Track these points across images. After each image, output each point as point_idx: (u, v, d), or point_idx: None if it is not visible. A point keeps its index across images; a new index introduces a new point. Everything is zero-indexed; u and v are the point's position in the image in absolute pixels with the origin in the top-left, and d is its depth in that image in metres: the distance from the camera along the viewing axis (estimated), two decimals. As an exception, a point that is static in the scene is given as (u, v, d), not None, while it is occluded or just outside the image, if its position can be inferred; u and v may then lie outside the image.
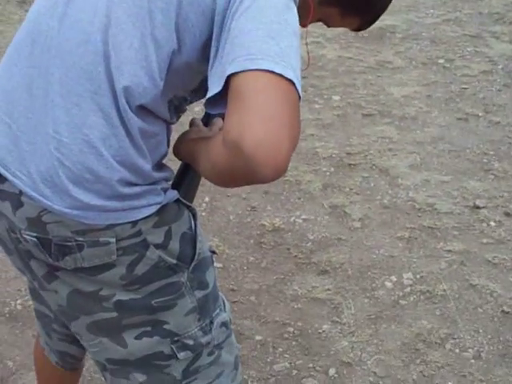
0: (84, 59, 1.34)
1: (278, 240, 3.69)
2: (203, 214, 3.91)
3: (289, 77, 1.17)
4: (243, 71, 1.16)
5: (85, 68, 1.33)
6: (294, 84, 1.18)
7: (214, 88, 1.23)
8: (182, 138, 1.57)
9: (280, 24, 1.22)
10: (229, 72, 1.18)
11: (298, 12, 1.30)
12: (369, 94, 5.54)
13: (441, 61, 6.21)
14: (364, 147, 4.69)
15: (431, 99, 5.46)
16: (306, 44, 1.70)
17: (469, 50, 6.44)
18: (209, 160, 1.32)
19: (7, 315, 3.10)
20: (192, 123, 1.65)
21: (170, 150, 1.52)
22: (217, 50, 1.28)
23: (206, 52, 1.33)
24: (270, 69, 1.16)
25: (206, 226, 3.79)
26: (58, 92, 1.34)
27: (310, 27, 1.63)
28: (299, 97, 1.20)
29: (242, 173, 1.18)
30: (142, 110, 1.35)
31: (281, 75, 1.16)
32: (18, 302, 3.17)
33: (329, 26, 1.65)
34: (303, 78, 5.74)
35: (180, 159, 1.59)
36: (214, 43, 1.30)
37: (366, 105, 5.35)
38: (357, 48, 6.48)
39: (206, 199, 4.03)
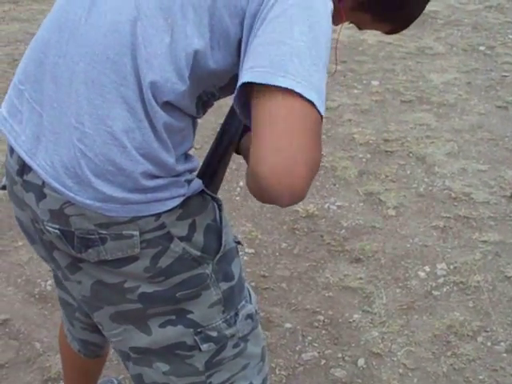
0: (110, 49, 1.32)
1: (311, 226, 3.67)
2: (237, 198, 3.91)
3: (309, 98, 1.15)
4: (262, 84, 1.16)
5: (111, 58, 1.32)
6: (314, 104, 1.16)
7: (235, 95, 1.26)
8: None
9: (306, 43, 1.19)
10: (244, 80, 1.18)
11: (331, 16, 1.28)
12: (408, 80, 5.51)
13: (482, 48, 6.15)
14: (401, 134, 4.66)
15: (471, 86, 5.40)
16: (338, 34, 1.69)
17: (510, 37, 6.37)
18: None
19: (37, 296, 3.12)
20: None
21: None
22: (245, 53, 1.27)
23: (239, 53, 1.32)
24: (290, 87, 1.15)
25: (240, 210, 3.79)
26: (83, 82, 1.33)
27: None
28: (321, 116, 1.19)
29: (264, 199, 1.21)
30: (169, 106, 1.34)
31: (300, 95, 1.15)
32: (49, 282, 3.18)
33: (360, 29, 1.65)
34: (343, 62, 5.69)
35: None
36: (243, 46, 1.29)
37: (405, 91, 5.31)
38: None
39: (241, 184, 4.02)
